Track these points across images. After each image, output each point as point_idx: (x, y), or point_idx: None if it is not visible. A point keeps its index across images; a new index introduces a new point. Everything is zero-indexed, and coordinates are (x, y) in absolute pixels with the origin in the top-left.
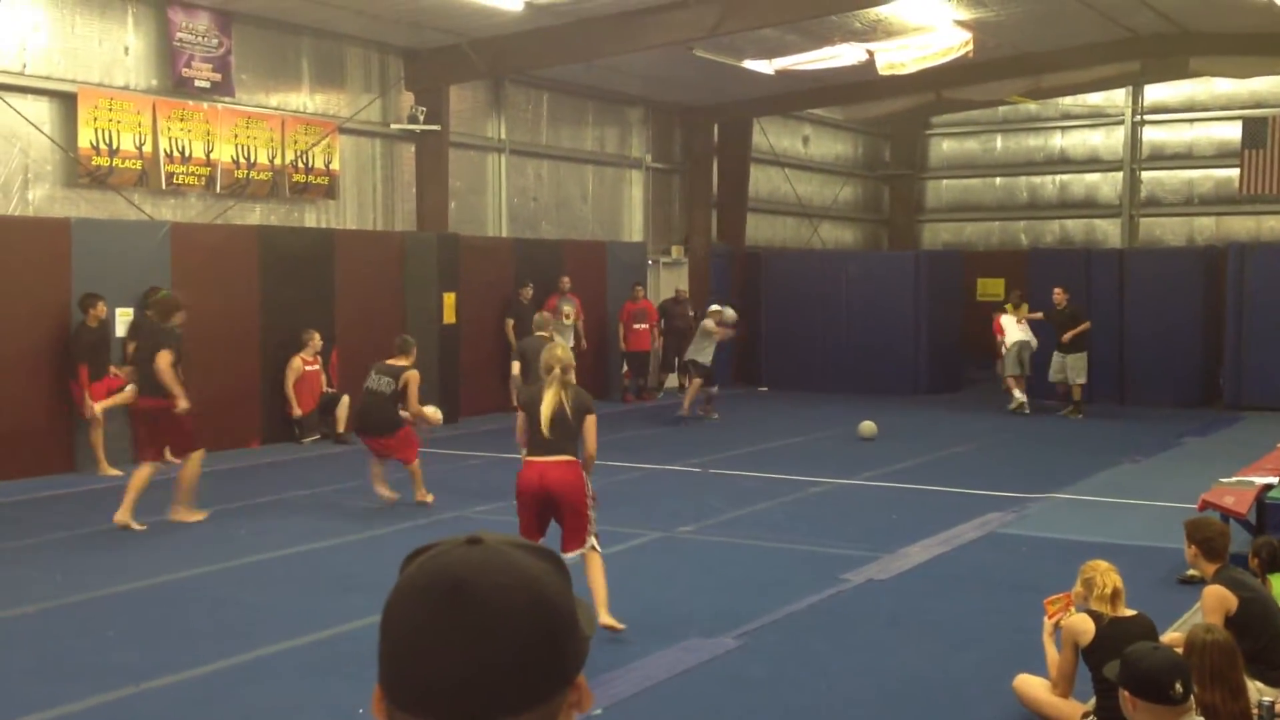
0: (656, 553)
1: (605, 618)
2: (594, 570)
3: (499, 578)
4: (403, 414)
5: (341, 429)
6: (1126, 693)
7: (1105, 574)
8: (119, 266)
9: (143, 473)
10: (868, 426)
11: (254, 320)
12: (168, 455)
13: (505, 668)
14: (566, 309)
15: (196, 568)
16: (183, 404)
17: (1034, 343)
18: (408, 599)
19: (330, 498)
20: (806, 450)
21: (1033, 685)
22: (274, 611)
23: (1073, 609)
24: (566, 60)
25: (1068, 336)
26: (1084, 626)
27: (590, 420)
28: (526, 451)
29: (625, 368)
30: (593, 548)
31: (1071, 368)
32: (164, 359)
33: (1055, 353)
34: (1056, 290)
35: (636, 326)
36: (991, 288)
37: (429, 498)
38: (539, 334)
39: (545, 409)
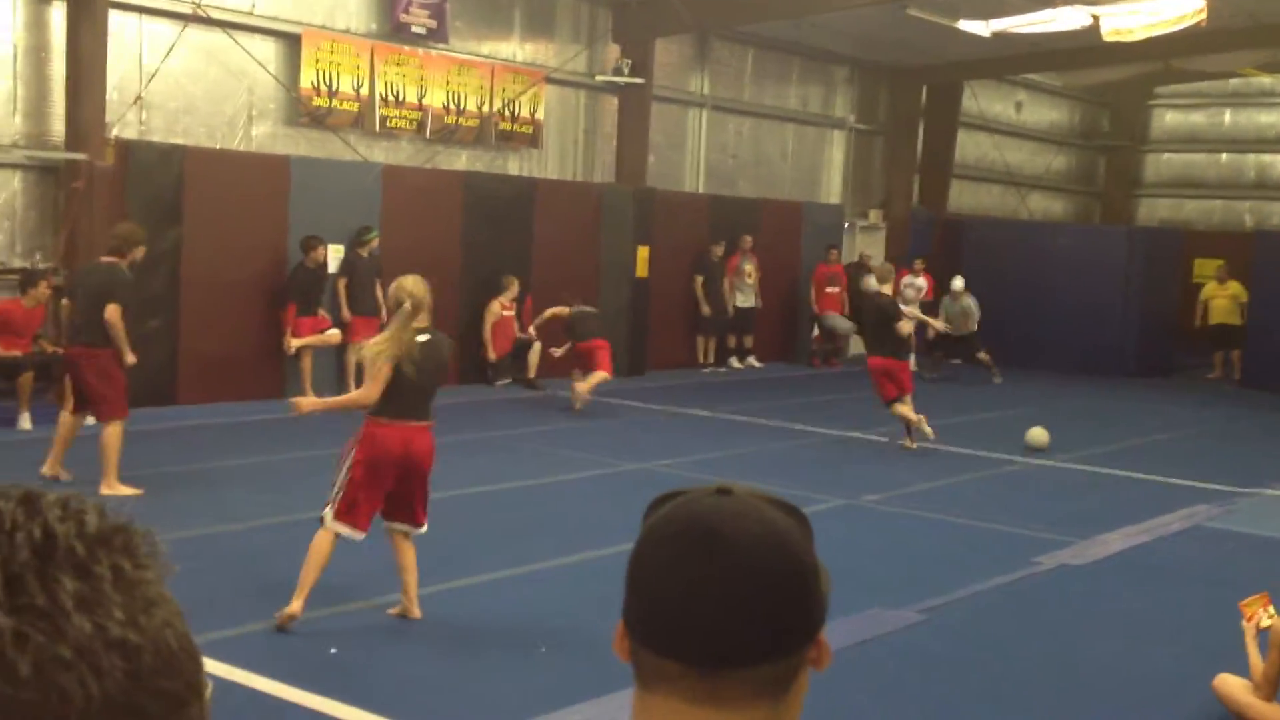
0: (839, 518)
1: (415, 608)
2: (411, 553)
3: (751, 527)
4: None
5: (532, 374)
6: None
7: None
8: (333, 204)
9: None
10: (1038, 435)
11: (455, 263)
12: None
13: (754, 616)
14: (748, 267)
15: None
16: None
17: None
18: (660, 543)
19: (517, 441)
20: (1001, 427)
21: (1234, 686)
22: (463, 547)
23: (1270, 608)
24: (776, 16)
25: None
26: None
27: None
28: (387, 412)
29: (815, 331)
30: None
31: None
32: (114, 311)
33: None
34: None
35: (829, 290)
36: (1210, 269)
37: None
38: (881, 289)
39: (425, 359)
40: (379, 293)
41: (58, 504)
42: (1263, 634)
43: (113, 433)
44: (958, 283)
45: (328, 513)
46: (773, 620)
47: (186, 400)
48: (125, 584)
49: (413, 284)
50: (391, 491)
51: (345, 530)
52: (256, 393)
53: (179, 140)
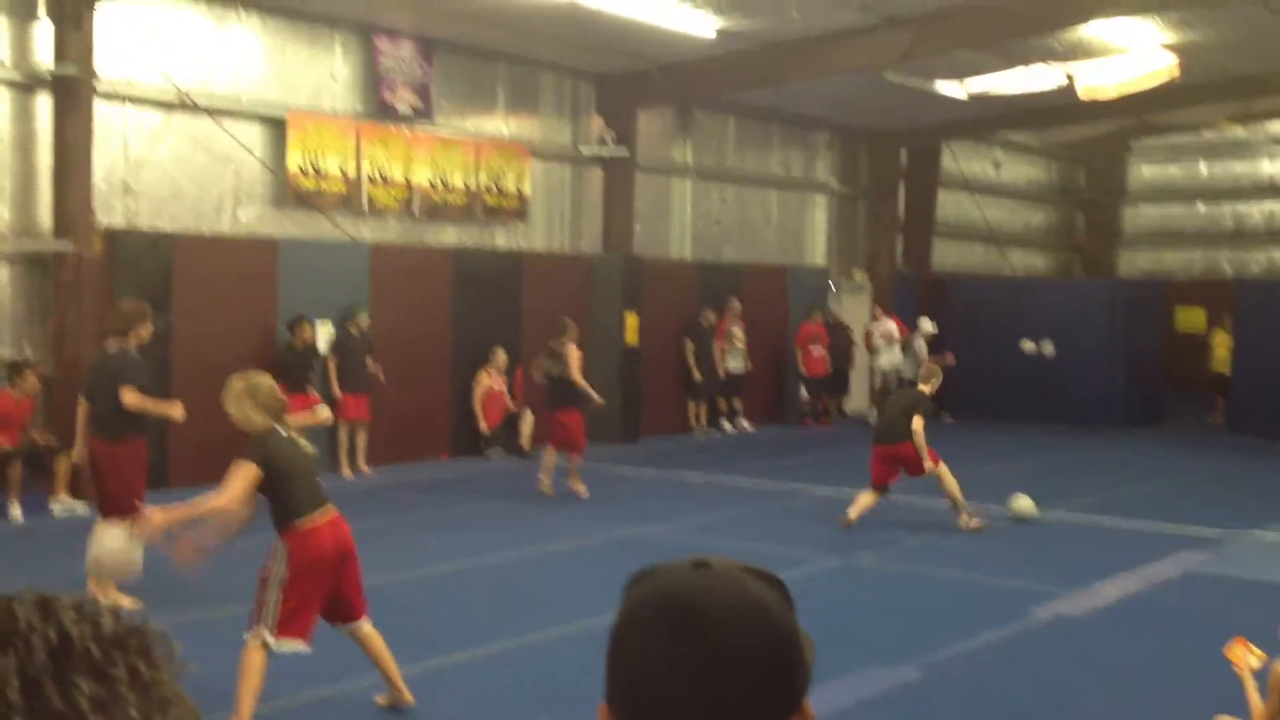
0: (835, 579)
1: (406, 693)
2: (378, 641)
3: (731, 602)
4: None
5: (525, 444)
6: None
7: None
8: (322, 285)
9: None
10: (1024, 505)
11: (445, 338)
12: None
13: (739, 696)
14: (737, 332)
15: (385, 575)
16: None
17: (903, 369)
18: (640, 622)
19: (515, 512)
20: (992, 481)
21: None
22: (459, 621)
23: (1253, 648)
24: (755, 85)
25: None
26: None
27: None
28: (308, 512)
29: (804, 392)
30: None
31: None
32: (131, 395)
33: None
34: None
35: (813, 350)
36: (1192, 318)
37: None
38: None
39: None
40: (370, 370)
41: (73, 607)
42: (1260, 675)
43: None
44: (926, 324)
45: (267, 635)
46: (757, 695)
47: (178, 484)
48: (141, 686)
49: (264, 378)
50: (329, 592)
51: (293, 647)
52: None
53: (166, 227)
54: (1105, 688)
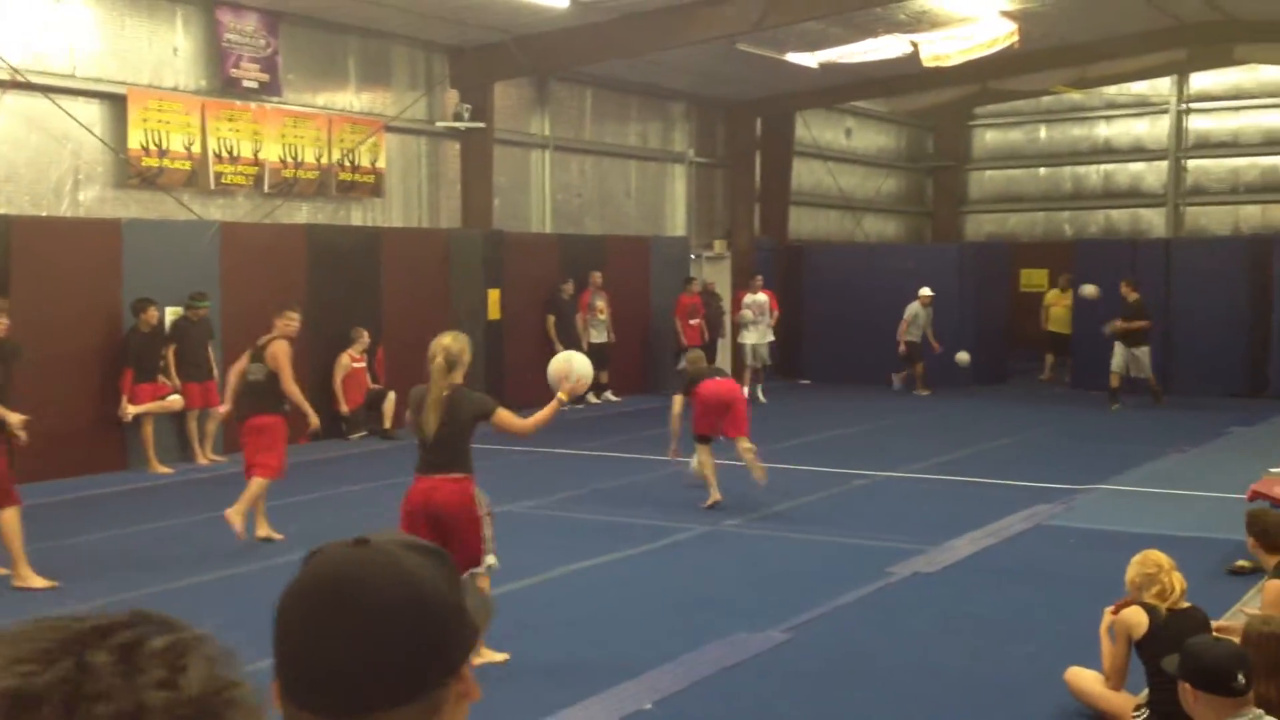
0: (701, 546)
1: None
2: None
3: (379, 574)
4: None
5: (388, 425)
6: (1188, 685)
7: (1169, 573)
8: (169, 267)
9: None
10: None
11: (302, 319)
12: None
13: (382, 663)
14: (599, 304)
15: (242, 565)
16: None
17: (764, 342)
18: (294, 599)
19: (377, 493)
20: (849, 443)
21: (1085, 678)
22: None
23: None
24: (611, 56)
25: (1117, 326)
26: (1138, 619)
27: (502, 414)
28: (417, 466)
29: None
30: (489, 567)
31: (1139, 360)
32: None
33: (1119, 345)
34: (1124, 284)
35: (691, 322)
36: (1036, 278)
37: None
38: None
39: (429, 414)
40: (211, 357)
41: (162, 660)
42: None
43: (9, 519)
44: (926, 291)
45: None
46: (401, 663)
47: (23, 479)
48: None
49: (450, 340)
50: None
51: None
52: (97, 466)
53: (2, 210)
54: (962, 641)
